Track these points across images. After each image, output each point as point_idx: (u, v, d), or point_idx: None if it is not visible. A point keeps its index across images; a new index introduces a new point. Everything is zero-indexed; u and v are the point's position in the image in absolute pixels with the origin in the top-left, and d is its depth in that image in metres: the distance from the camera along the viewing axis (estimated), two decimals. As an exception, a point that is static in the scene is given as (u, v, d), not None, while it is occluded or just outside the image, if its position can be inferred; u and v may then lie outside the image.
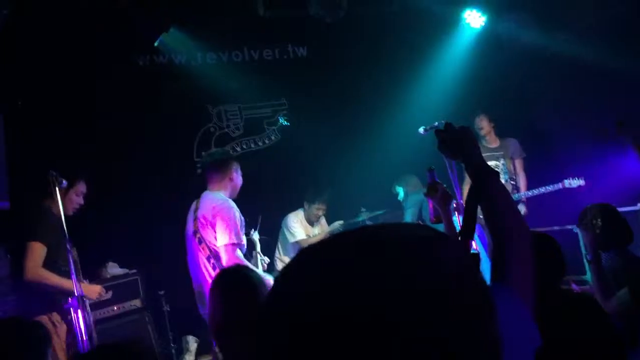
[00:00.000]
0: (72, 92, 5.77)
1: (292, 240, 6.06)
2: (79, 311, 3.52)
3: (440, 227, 2.20)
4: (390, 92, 6.84)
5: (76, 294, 3.56)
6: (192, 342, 5.53)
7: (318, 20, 6.57)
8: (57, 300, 3.75)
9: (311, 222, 6.26)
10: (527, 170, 6.39)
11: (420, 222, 5.70)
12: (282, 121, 6.92)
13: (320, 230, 6.29)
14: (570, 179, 5.71)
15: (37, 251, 3.73)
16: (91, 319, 3.78)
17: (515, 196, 5.93)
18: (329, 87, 6.83)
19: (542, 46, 6.82)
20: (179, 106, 6.32)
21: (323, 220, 6.38)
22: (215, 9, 6.30)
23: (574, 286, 4.38)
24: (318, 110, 6.68)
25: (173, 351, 5.27)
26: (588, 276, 4.82)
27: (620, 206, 4.08)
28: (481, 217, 1.41)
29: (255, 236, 4.58)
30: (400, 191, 6.33)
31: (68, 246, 3.61)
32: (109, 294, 4.77)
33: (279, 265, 6.04)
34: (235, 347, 2.17)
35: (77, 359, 1.66)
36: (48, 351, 2.71)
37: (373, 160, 6.55)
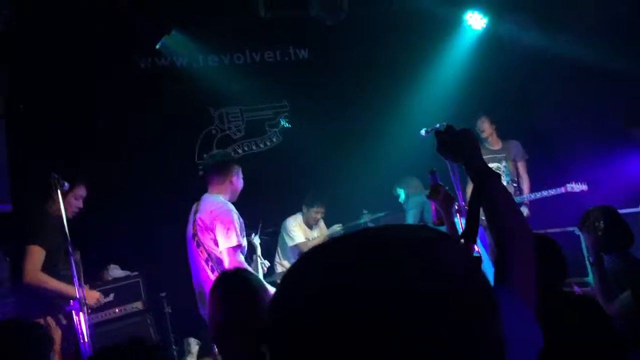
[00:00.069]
0: (74, 95, 5.79)
1: (291, 244, 6.06)
2: (81, 314, 3.52)
3: (443, 229, 2.20)
4: (392, 94, 6.84)
5: (78, 297, 3.56)
6: (194, 344, 5.53)
7: (319, 22, 6.57)
8: (55, 304, 3.75)
9: (310, 225, 6.26)
10: (529, 171, 6.39)
11: (422, 224, 5.69)
12: (284, 123, 6.92)
13: (319, 234, 6.28)
14: (573, 183, 5.70)
15: (37, 255, 3.73)
16: (89, 323, 3.77)
17: (517, 198, 5.92)
18: (330, 89, 6.83)
19: (543, 48, 6.82)
20: (180, 108, 6.33)
21: (322, 224, 6.38)
22: (217, 11, 6.31)
23: (575, 288, 4.37)
24: (319, 112, 6.69)
25: (175, 353, 5.27)
26: (590, 278, 4.82)
27: (622, 208, 4.08)
28: (483, 218, 1.41)
29: (256, 240, 4.58)
30: (401, 193, 6.33)
31: (70, 249, 3.61)
32: (111, 297, 4.77)
33: (279, 269, 6.04)
34: (234, 348, 2.18)
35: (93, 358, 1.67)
36: (49, 353, 2.71)
37: (374, 162, 6.55)
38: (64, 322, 3.73)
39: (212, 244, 3.85)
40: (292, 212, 6.23)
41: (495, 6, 7.05)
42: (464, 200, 3.22)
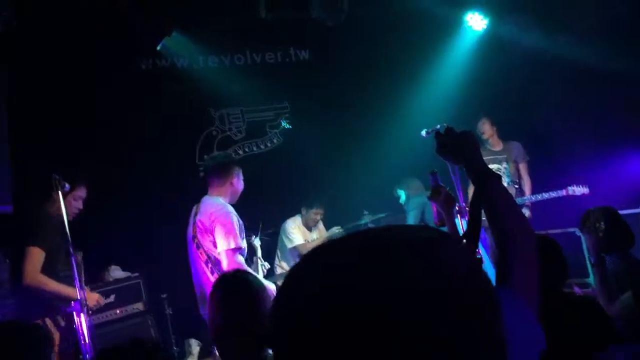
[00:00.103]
0: (75, 96, 5.79)
1: (289, 246, 6.07)
2: (82, 315, 3.52)
3: (444, 230, 2.20)
4: (392, 95, 6.84)
5: (79, 298, 3.55)
6: (195, 345, 5.53)
7: (320, 23, 6.58)
8: (54, 306, 3.74)
9: (309, 227, 6.26)
10: (530, 172, 6.39)
11: (423, 224, 5.69)
12: (284, 124, 6.93)
13: (318, 235, 6.28)
14: (575, 186, 5.68)
15: (36, 256, 3.72)
16: (90, 324, 3.77)
17: (518, 200, 5.91)
18: (331, 90, 6.84)
19: (543, 49, 6.82)
20: (181, 109, 6.34)
21: (321, 225, 6.38)
22: (217, 12, 6.31)
23: (576, 289, 4.37)
24: (320, 113, 6.69)
25: (175, 354, 5.28)
26: (591, 279, 4.82)
27: (622, 209, 4.07)
28: (483, 219, 1.41)
29: (257, 242, 4.58)
30: (402, 194, 6.33)
31: (71, 250, 3.60)
32: (112, 298, 4.78)
33: (278, 271, 6.04)
34: (234, 350, 2.18)
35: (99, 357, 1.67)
36: (50, 353, 2.71)
37: (375, 163, 6.55)
38: (63, 323, 3.72)
39: (211, 246, 3.85)
40: (293, 213, 6.24)
41: (496, 7, 7.05)
42: (465, 201, 3.22)
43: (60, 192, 3.67)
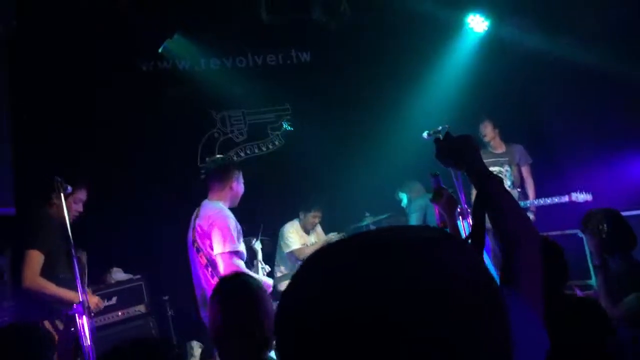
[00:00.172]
0: (77, 99, 5.79)
1: (286, 250, 6.06)
2: (84, 317, 3.52)
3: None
4: (394, 97, 6.85)
5: (81, 300, 3.55)
6: (197, 348, 5.53)
7: (321, 25, 6.59)
8: (54, 309, 3.74)
9: (307, 230, 6.24)
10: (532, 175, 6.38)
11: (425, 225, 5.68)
12: (286, 126, 6.93)
13: (316, 239, 6.26)
14: (578, 192, 5.65)
15: (35, 259, 3.70)
16: (91, 326, 3.77)
17: (522, 204, 5.90)
18: (332, 92, 6.84)
19: (544, 50, 6.82)
20: (182, 111, 6.35)
21: (319, 228, 6.36)
22: (219, 14, 6.32)
23: (577, 291, 4.37)
24: (321, 115, 6.69)
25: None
26: (593, 281, 4.81)
27: (624, 210, 4.07)
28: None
29: (257, 245, 4.58)
30: (404, 197, 6.33)
31: (73, 252, 3.60)
32: (113, 300, 4.79)
33: (278, 274, 6.04)
34: (234, 351, 2.19)
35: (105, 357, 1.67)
36: (51, 354, 2.72)
37: (377, 165, 6.55)
38: (61, 327, 3.72)
39: (210, 250, 3.86)
40: (294, 215, 6.24)
41: (497, 9, 7.05)
42: (467, 203, 3.22)
43: (62, 194, 3.66)
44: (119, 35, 5.80)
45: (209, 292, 3.41)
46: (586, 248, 5.20)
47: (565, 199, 5.72)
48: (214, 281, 3.71)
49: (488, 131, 6.29)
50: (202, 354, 5.53)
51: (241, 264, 3.84)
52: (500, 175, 5.89)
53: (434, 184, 2.47)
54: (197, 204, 4.13)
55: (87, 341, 3.50)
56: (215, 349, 2.34)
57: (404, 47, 6.95)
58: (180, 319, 5.30)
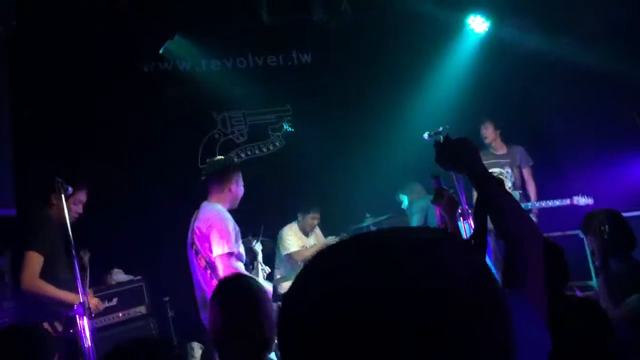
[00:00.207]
0: (77, 99, 5.79)
1: (284, 253, 6.05)
2: (85, 318, 3.52)
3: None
4: (394, 98, 6.85)
5: (82, 301, 3.55)
6: (197, 349, 5.53)
7: (322, 26, 6.59)
8: (53, 311, 3.73)
9: (306, 232, 6.22)
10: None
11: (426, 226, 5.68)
12: (287, 127, 6.93)
13: (315, 241, 6.25)
14: (580, 196, 5.65)
15: (34, 261, 3.69)
16: (92, 327, 3.77)
17: (523, 205, 5.89)
18: (333, 92, 6.85)
19: (545, 51, 6.82)
20: (183, 112, 6.35)
21: (318, 230, 6.34)
22: (220, 15, 6.32)
23: (577, 292, 4.37)
24: (322, 116, 6.69)
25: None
26: (593, 282, 4.81)
27: (624, 211, 4.07)
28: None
29: (258, 246, 4.58)
30: (404, 199, 6.33)
31: (73, 253, 3.60)
32: (114, 301, 4.79)
33: (277, 276, 6.04)
34: (234, 353, 2.19)
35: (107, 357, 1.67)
36: (51, 355, 2.71)
37: (377, 166, 6.56)
38: (60, 329, 3.71)
39: (209, 252, 3.86)
40: (295, 216, 6.23)
41: (497, 10, 7.06)
42: (468, 204, 3.22)
43: (62, 196, 3.66)
44: (120, 35, 5.80)
45: (208, 293, 3.41)
46: (587, 249, 5.20)
47: (567, 202, 5.72)
48: (214, 283, 3.71)
49: (489, 132, 6.28)
50: (202, 355, 5.53)
51: (240, 266, 3.83)
52: (501, 176, 5.91)
53: (434, 185, 2.47)
54: (197, 204, 4.13)
55: (88, 342, 3.50)
56: (215, 351, 2.34)
57: (405, 48, 6.95)
58: (181, 320, 5.30)
